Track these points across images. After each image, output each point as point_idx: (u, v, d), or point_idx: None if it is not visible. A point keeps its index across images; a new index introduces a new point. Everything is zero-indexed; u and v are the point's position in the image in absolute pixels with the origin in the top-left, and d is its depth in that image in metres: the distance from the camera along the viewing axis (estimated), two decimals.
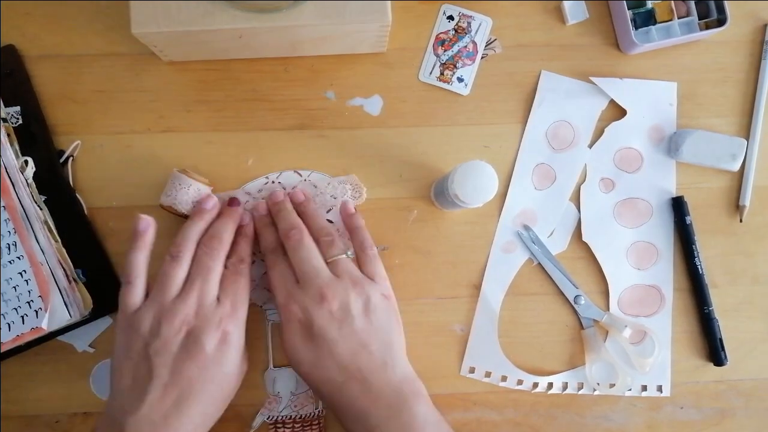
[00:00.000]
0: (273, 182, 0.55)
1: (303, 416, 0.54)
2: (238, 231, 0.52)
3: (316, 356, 0.47)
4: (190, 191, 0.51)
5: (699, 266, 0.57)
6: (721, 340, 0.57)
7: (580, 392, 0.57)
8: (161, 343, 0.45)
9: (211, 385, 0.45)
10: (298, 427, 0.54)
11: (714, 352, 0.57)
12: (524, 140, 0.58)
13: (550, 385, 0.57)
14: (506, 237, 0.57)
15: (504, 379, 0.57)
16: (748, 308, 0.58)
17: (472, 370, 0.56)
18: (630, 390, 0.57)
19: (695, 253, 0.57)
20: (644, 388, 0.57)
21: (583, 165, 0.58)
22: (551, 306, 0.58)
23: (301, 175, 0.56)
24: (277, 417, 0.54)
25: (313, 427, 0.54)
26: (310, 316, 0.47)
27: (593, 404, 0.57)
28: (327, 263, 0.49)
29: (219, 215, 0.52)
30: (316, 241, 0.50)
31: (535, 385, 0.56)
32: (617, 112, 0.59)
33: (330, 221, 0.55)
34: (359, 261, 0.52)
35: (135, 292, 0.47)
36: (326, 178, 0.56)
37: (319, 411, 0.55)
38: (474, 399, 0.57)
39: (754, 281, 0.59)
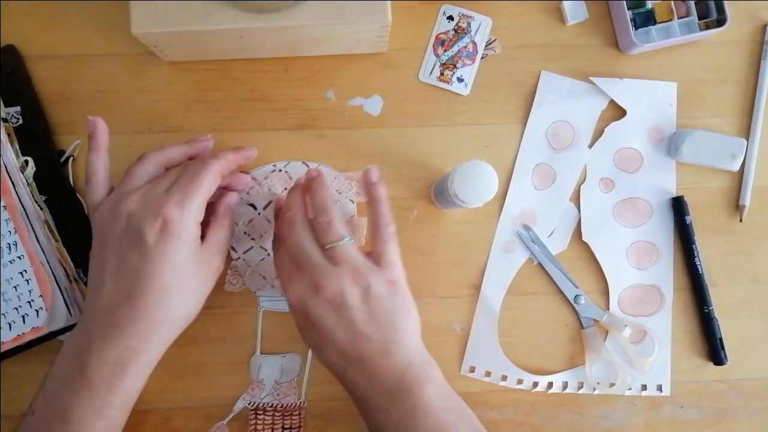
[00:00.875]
0: (280, 170, 0.56)
1: (285, 405, 0.54)
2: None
3: (318, 341, 0.46)
4: None
5: (699, 266, 0.57)
6: (721, 339, 0.57)
7: (580, 392, 0.57)
8: (108, 231, 0.44)
9: (160, 276, 0.43)
10: (278, 416, 0.54)
11: (714, 351, 0.57)
12: (524, 140, 0.58)
13: (550, 385, 0.57)
14: (506, 237, 0.57)
15: (504, 378, 0.57)
16: (748, 308, 0.58)
17: (472, 370, 0.57)
18: (630, 389, 0.57)
19: (695, 252, 0.57)
20: (644, 387, 0.57)
21: (583, 165, 0.58)
22: (551, 305, 0.58)
23: (308, 167, 0.56)
24: (259, 403, 0.54)
25: (293, 416, 0.54)
26: (305, 305, 0.45)
27: (593, 404, 0.57)
28: (324, 249, 0.46)
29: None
30: (313, 222, 0.47)
31: (535, 384, 0.56)
32: (617, 112, 0.59)
33: None
34: (372, 239, 0.49)
35: (93, 190, 0.47)
36: (333, 172, 0.56)
37: (301, 402, 0.55)
38: (474, 398, 0.57)
39: (754, 281, 0.59)
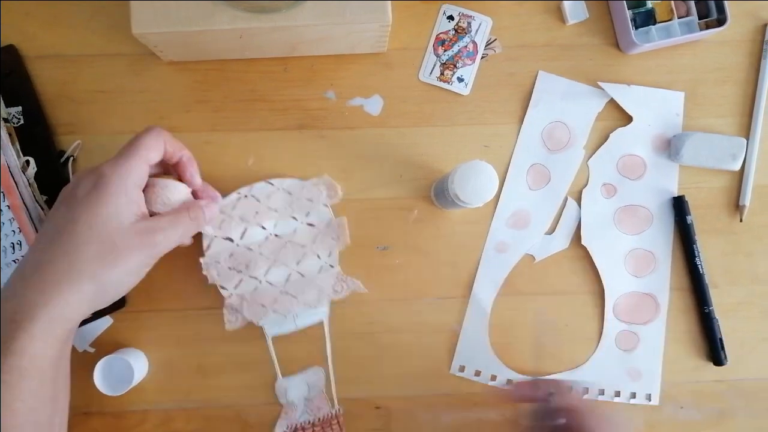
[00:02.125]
0: (246, 196, 0.54)
1: (321, 418, 0.55)
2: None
3: None
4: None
5: (699, 265, 0.57)
6: (721, 339, 0.57)
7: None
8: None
9: (75, 225, 0.41)
10: (318, 430, 0.55)
11: (714, 351, 0.57)
12: (519, 140, 0.58)
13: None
14: (499, 237, 0.57)
15: (493, 378, 0.57)
16: (748, 308, 0.58)
17: (462, 369, 0.57)
18: (618, 397, 0.57)
19: (696, 252, 0.57)
20: (633, 395, 0.57)
21: (578, 166, 0.58)
22: (552, 305, 0.58)
23: (273, 185, 0.55)
24: (297, 424, 0.55)
25: (333, 426, 0.55)
26: None
27: (593, 404, 0.57)
28: None
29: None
30: None
31: None
32: (623, 117, 0.59)
33: (311, 224, 0.55)
34: None
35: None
36: (299, 182, 0.55)
37: (336, 410, 0.55)
38: (475, 399, 0.57)
39: (754, 281, 0.58)
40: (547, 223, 0.58)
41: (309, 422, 0.55)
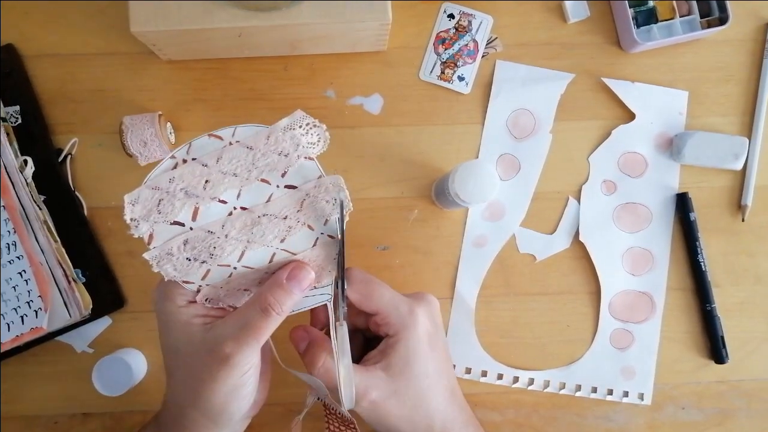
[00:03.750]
0: (185, 161, 0.39)
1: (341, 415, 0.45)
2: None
3: None
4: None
5: (702, 263, 0.57)
6: (722, 337, 0.57)
7: (560, 392, 0.57)
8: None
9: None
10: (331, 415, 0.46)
11: (715, 349, 0.57)
12: (485, 132, 0.58)
13: (531, 381, 0.56)
14: (476, 231, 0.57)
15: (484, 374, 0.56)
16: (750, 308, 0.58)
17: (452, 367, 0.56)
18: (611, 395, 0.57)
19: (698, 249, 0.57)
20: (626, 394, 0.57)
21: (546, 151, 0.58)
22: (553, 306, 0.57)
23: (221, 138, 0.39)
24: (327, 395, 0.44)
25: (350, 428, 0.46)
26: None
27: (594, 405, 0.57)
28: None
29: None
30: None
31: (516, 379, 0.56)
32: (625, 114, 0.59)
33: (292, 186, 0.41)
34: None
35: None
36: (262, 129, 0.40)
37: (349, 420, 0.45)
38: (475, 400, 0.56)
39: (757, 281, 0.58)
40: (522, 211, 0.58)
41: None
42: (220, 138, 0.39)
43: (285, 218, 0.41)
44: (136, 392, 0.54)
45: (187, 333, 0.39)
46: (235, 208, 0.40)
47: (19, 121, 0.55)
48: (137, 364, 0.53)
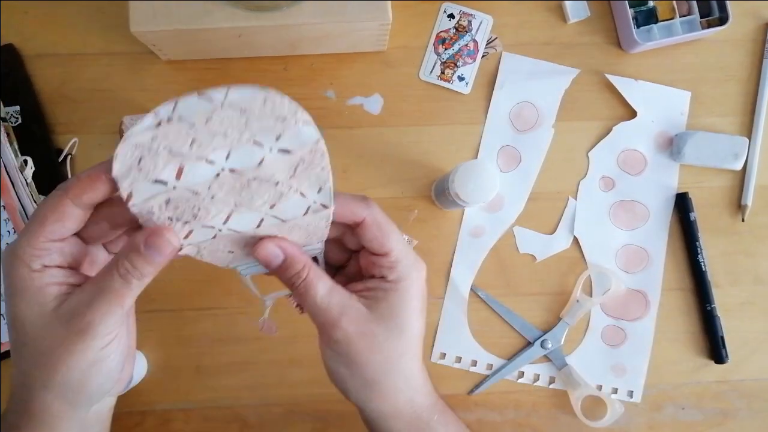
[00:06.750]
0: (169, 121, 0.35)
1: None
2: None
3: None
4: None
5: (702, 263, 0.57)
6: (722, 337, 0.57)
7: (550, 386, 0.57)
8: None
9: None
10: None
11: (715, 349, 0.57)
12: (487, 123, 0.58)
13: (521, 374, 0.56)
14: (474, 221, 0.57)
15: (474, 363, 0.56)
16: (750, 308, 0.58)
17: (442, 356, 0.56)
18: (600, 391, 0.56)
19: (698, 249, 0.57)
20: (615, 390, 0.57)
21: (548, 145, 0.58)
22: (553, 305, 0.57)
23: (211, 100, 0.35)
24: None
25: None
26: None
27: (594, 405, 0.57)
28: None
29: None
30: None
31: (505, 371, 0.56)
32: (626, 111, 0.59)
33: (286, 151, 0.37)
34: None
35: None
36: (259, 93, 0.36)
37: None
38: (475, 399, 0.56)
39: (757, 281, 0.58)
40: (521, 204, 0.58)
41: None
42: (210, 100, 0.35)
43: (276, 184, 0.38)
44: (136, 392, 0.54)
45: (40, 302, 0.34)
46: (223, 170, 0.37)
47: (19, 121, 0.55)
48: (137, 364, 0.53)
